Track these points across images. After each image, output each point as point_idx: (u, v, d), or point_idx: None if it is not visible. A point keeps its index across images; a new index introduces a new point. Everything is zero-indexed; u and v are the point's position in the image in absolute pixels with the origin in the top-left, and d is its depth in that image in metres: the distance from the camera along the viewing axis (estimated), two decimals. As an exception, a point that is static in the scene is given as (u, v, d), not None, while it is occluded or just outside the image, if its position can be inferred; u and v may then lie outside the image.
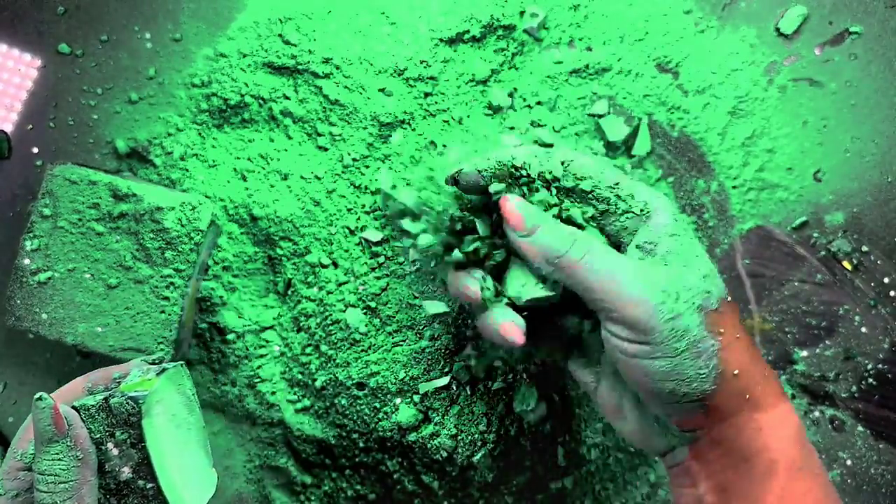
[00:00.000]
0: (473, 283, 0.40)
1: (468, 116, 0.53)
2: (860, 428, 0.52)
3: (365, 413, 0.50)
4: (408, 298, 0.50)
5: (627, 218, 0.38)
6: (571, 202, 0.39)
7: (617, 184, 0.38)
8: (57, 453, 0.35)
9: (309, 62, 0.51)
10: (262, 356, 0.52)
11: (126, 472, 0.37)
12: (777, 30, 0.54)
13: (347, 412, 0.50)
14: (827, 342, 0.52)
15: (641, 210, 0.38)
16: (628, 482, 0.53)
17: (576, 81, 0.53)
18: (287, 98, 0.52)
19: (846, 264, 0.52)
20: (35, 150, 0.54)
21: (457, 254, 0.40)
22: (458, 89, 0.53)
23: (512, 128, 0.52)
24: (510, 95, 0.53)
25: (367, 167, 0.51)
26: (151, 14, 0.54)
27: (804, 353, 0.52)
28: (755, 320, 0.53)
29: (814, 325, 0.52)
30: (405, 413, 0.49)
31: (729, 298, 0.37)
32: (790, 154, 0.53)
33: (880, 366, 0.52)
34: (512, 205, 0.38)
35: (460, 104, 0.53)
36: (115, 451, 0.37)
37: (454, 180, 0.41)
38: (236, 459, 0.54)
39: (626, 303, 0.35)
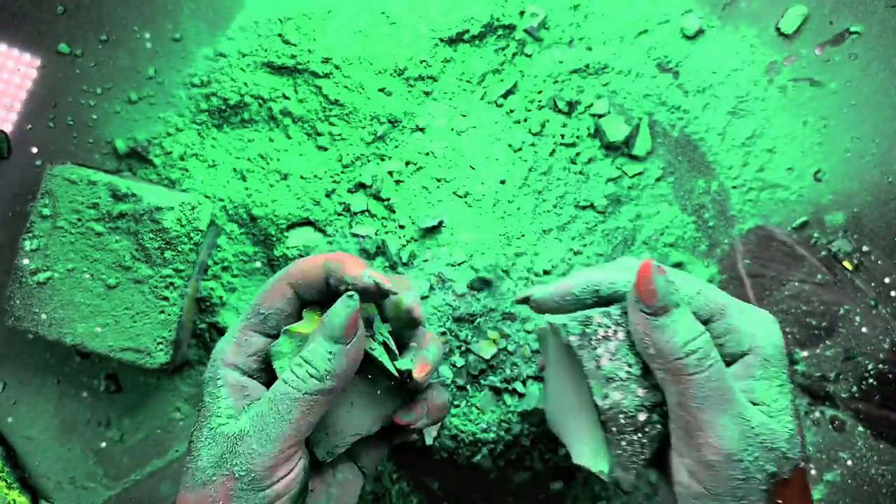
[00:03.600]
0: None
1: (470, 114, 0.53)
2: (860, 428, 0.52)
3: (365, 413, 0.50)
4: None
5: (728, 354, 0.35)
6: None
7: (723, 312, 0.35)
8: (331, 352, 0.33)
9: (309, 62, 0.51)
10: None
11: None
12: (777, 29, 0.53)
13: (347, 412, 0.50)
14: (827, 342, 0.52)
15: (744, 352, 0.35)
16: (628, 482, 0.53)
17: (576, 81, 0.53)
18: (287, 98, 0.52)
19: (846, 264, 0.52)
20: (34, 149, 0.54)
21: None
22: (458, 89, 0.53)
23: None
24: (511, 91, 0.53)
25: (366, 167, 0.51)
26: (151, 14, 0.54)
27: (804, 354, 0.52)
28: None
29: (814, 326, 0.52)
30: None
31: (802, 465, 0.34)
32: (790, 154, 0.53)
33: (881, 366, 0.52)
34: (652, 275, 0.33)
35: (461, 103, 0.53)
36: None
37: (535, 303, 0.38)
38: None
39: (710, 445, 0.32)
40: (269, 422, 0.33)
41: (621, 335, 0.35)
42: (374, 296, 0.35)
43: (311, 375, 0.33)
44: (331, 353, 0.33)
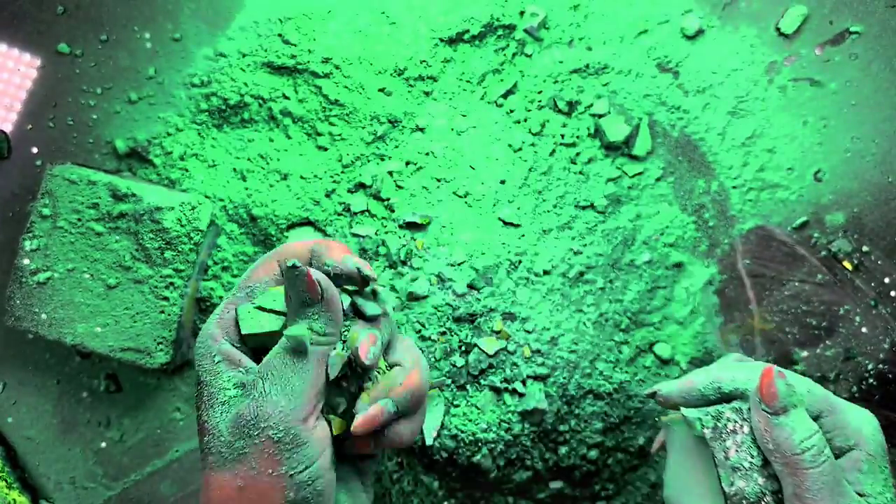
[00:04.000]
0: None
1: (470, 114, 0.53)
2: (861, 428, 0.52)
3: (365, 413, 0.50)
4: (403, 296, 0.50)
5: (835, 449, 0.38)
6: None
7: (830, 409, 0.38)
8: (314, 313, 0.34)
9: (309, 62, 0.51)
10: (261, 356, 0.52)
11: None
12: (777, 29, 0.54)
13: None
14: (827, 342, 0.52)
15: (850, 447, 0.38)
16: (628, 482, 0.53)
17: (576, 81, 0.53)
18: (287, 98, 0.52)
19: (846, 264, 0.52)
20: (34, 149, 0.54)
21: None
22: (458, 89, 0.53)
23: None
24: (511, 91, 0.53)
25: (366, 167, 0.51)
26: (151, 14, 0.54)
27: (804, 354, 0.52)
28: (755, 320, 0.53)
29: (814, 326, 0.52)
30: (405, 413, 0.49)
31: None
32: (790, 154, 0.53)
33: (881, 366, 0.52)
34: (774, 380, 0.37)
35: (461, 103, 0.53)
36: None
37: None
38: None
39: None
40: (288, 376, 0.33)
41: (746, 429, 0.39)
42: (356, 282, 0.37)
43: (320, 336, 0.34)
44: (314, 312, 0.34)
